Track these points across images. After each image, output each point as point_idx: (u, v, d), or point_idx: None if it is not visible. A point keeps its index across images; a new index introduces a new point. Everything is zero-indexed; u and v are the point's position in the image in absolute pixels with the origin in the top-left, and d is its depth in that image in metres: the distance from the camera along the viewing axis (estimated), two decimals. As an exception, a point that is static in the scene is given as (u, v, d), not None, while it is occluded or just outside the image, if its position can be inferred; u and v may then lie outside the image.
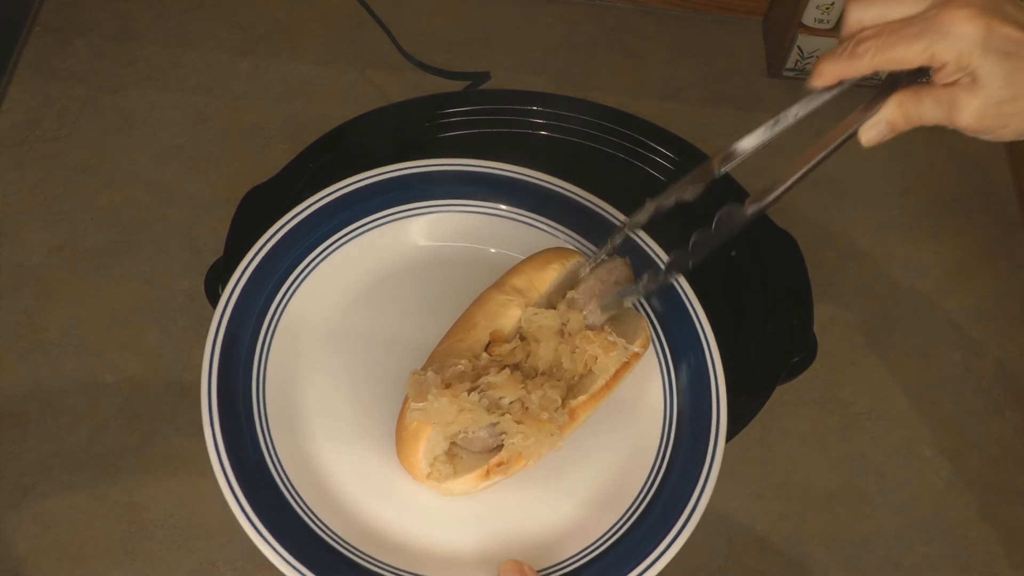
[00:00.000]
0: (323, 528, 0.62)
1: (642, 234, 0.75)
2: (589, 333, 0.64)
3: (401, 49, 1.20)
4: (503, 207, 0.77)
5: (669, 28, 1.39)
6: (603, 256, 0.67)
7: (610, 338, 0.64)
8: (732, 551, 1.00)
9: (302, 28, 1.33)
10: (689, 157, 0.88)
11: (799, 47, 1.30)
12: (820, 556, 1.01)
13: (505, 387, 0.61)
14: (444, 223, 0.77)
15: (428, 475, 0.62)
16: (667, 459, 0.67)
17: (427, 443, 0.61)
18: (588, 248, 0.76)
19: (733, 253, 0.85)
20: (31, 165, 1.17)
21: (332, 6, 1.34)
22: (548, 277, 0.66)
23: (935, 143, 1.30)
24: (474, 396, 0.60)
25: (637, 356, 0.67)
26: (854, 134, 0.57)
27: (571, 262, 0.67)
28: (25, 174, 1.16)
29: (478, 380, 0.61)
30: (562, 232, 0.77)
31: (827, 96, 0.57)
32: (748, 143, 0.60)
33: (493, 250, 0.77)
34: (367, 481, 0.65)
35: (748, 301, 0.83)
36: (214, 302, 0.78)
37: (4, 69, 1.23)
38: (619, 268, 0.66)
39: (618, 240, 0.66)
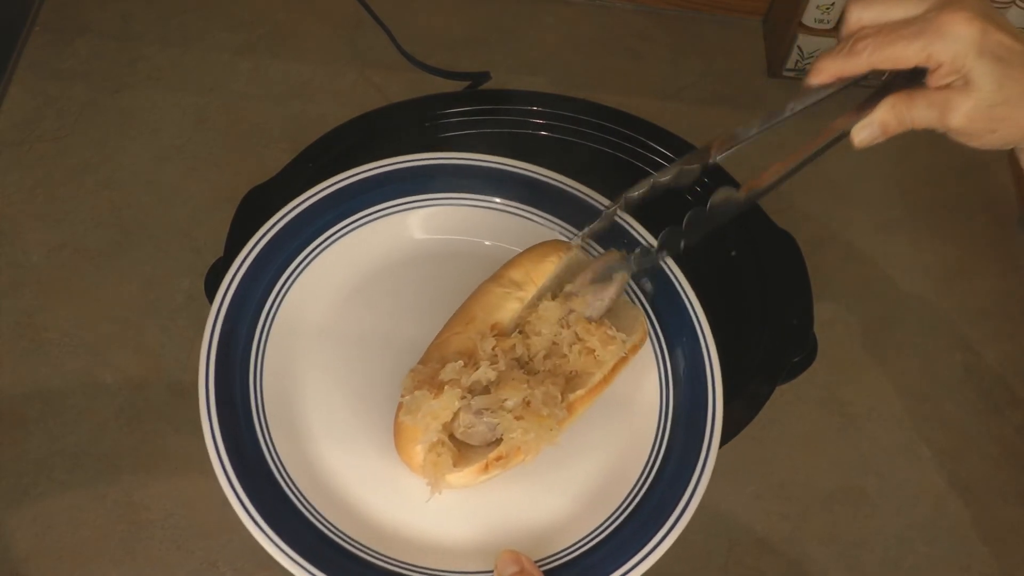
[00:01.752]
0: (321, 520, 0.62)
1: (631, 220, 0.75)
2: (590, 326, 0.64)
3: (401, 49, 1.20)
4: (497, 200, 0.77)
5: (669, 28, 1.39)
6: (590, 240, 0.67)
7: (609, 332, 0.64)
8: (732, 551, 1.00)
9: (302, 28, 1.33)
10: (689, 157, 0.88)
11: (799, 47, 1.30)
12: (820, 556, 1.01)
13: (510, 389, 0.61)
14: (439, 217, 0.77)
15: (426, 468, 0.62)
16: (663, 451, 0.67)
17: (425, 435, 0.61)
18: (583, 240, 0.75)
19: (733, 253, 0.85)
20: (31, 165, 1.17)
21: (332, 6, 1.34)
22: (546, 270, 0.66)
23: (935, 144, 1.29)
24: (455, 395, 0.60)
25: (635, 350, 0.67)
26: (846, 134, 0.58)
27: (568, 255, 0.67)
28: (25, 174, 1.16)
29: (473, 377, 0.61)
30: (556, 224, 0.77)
31: (824, 94, 0.58)
32: (745, 132, 0.61)
33: (488, 243, 0.77)
34: (365, 473, 0.65)
35: (748, 301, 0.83)
36: (214, 302, 0.78)
37: (4, 69, 1.23)
38: (615, 262, 0.66)
39: (606, 220, 0.67)
